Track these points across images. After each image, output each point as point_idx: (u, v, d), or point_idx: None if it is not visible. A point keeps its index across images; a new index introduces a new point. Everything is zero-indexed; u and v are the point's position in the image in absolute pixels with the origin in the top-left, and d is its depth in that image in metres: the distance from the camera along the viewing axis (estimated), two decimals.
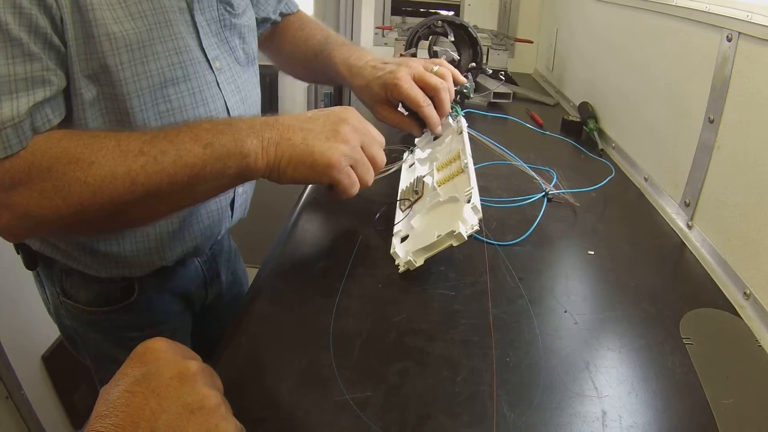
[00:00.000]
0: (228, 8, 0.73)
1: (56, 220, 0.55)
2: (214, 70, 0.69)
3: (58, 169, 0.53)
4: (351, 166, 0.62)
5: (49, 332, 1.47)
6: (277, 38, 0.98)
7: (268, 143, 0.59)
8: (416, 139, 0.89)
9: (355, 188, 0.64)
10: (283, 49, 0.99)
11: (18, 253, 0.76)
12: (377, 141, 0.66)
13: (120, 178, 0.54)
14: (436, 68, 0.81)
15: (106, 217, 0.57)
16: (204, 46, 0.68)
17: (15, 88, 0.52)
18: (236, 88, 0.74)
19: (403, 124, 0.83)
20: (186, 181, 0.56)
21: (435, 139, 0.85)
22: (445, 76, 0.81)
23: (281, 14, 0.95)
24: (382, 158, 0.66)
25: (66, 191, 0.53)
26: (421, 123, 0.82)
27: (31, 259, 0.76)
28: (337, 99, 2.32)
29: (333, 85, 0.93)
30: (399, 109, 0.84)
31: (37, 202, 0.54)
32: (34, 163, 0.53)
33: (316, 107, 2.36)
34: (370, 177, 0.65)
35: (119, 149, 0.55)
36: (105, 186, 0.54)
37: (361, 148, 0.64)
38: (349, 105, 0.74)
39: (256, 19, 0.86)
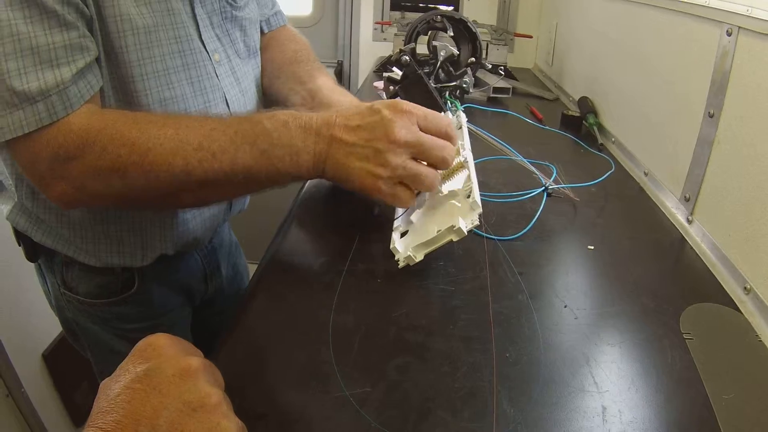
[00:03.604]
0: (230, 0, 0.72)
1: (111, 196, 0.59)
2: (213, 62, 0.69)
3: (112, 150, 0.55)
4: (400, 182, 0.60)
5: (49, 330, 1.47)
6: (263, 43, 0.95)
7: (319, 156, 0.60)
8: None
9: (407, 204, 0.62)
10: (265, 52, 0.91)
11: (19, 245, 0.77)
12: (437, 147, 0.60)
13: (177, 168, 0.56)
14: None
15: (159, 198, 0.60)
16: (203, 39, 0.68)
17: (55, 56, 0.53)
18: (235, 81, 0.74)
19: None
20: (240, 179, 0.59)
21: None
22: None
23: (268, 23, 0.92)
24: (444, 160, 0.61)
25: (122, 173, 0.56)
26: None
27: (32, 252, 0.76)
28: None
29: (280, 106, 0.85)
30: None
31: (93, 177, 0.56)
32: (88, 141, 0.55)
33: None
34: (430, 184, 0.61)
35: (177, 139, 0.56)
36: (161, 174, 0.56)
37: (415, 158, 0.60)
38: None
39: None
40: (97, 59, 0.59)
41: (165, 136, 0.56)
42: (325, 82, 0.84)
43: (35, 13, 0.52)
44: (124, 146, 0.55)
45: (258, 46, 0.83)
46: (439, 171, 0.63)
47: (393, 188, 0.60)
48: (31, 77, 0.52)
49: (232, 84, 0.73)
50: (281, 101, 0.83)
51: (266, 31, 0.91)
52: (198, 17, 0.67)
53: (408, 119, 0.60)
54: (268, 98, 0.87)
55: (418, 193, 0.71)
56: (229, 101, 0.72)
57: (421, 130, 0.61)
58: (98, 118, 0.56)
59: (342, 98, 0.80)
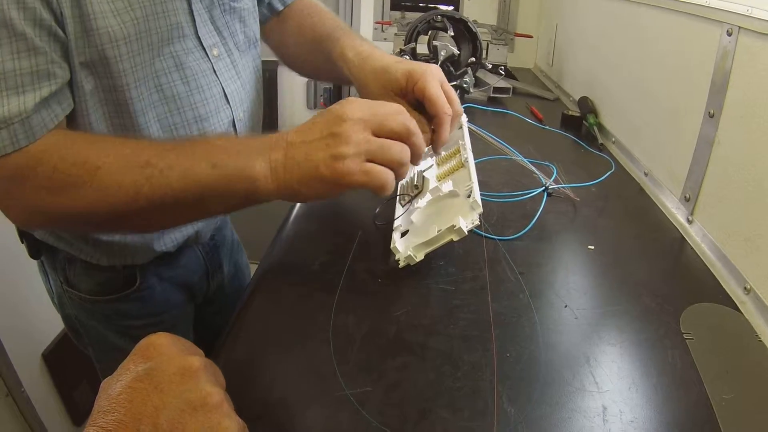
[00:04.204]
0: None
1: (65, 218, 0.57)
2: (210, 57, 0.69)
3: (63, 170, 0.54)
4: (370, 161, 0.56)
5: (49, 330, 1.47)
6: (282, 26, 0.94)
7: (276, 165, 0.57)
8: None
9: (387, 184, 0.56)
10: (288, 38, 0.93)
11: (22, 242, 0.77)
12: (391, 115, 0.58)
13: (125, 186, 0.54)
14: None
15: (112, 220, 0.58)
16: (200, 35, 0.68)
17: (21, 82, 0.52)
18: (236, 74, 0.74)
19: (419, 123, 0.70)
20: (191, 198, 0.56)
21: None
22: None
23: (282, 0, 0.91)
24: (408, 129, 0.58)
25: (72, 191, 0.54)
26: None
27: (35, 249, 0.76)
28: (336, 95, 2.31)
29: (333, 80, 0.89)
30: None
31: (44, 198, 0.55)
32: (41, 161, 0.54)
33: (315, 102, 2.36)
34: (400, 155, 0.57)
35: (128, 157, 0.55)
36: (109, 192, 0.54)
37: (376, 134, 0.57)
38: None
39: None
40: (72, 81, 0.58)
41: (116, 154, 0.55)
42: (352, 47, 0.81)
43: (4, 35, 0.51)
44: (74, 165, 0.54)
45: (258, 36, 0.82)
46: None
47: (363, 165, 0.55)
48: None
49: (233, 78, 0.73)
50: (333, 79, 0.84)
51: (280, 8, 0.90)
52: (195, 13, 0.67)
53: (357, 103, 0.58)
54: (318, 78, 0.88)
55: (419, 193, 0.71)
56: (228, 95, 0.72)
57: None
58: (53, 140, 0.55)
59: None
